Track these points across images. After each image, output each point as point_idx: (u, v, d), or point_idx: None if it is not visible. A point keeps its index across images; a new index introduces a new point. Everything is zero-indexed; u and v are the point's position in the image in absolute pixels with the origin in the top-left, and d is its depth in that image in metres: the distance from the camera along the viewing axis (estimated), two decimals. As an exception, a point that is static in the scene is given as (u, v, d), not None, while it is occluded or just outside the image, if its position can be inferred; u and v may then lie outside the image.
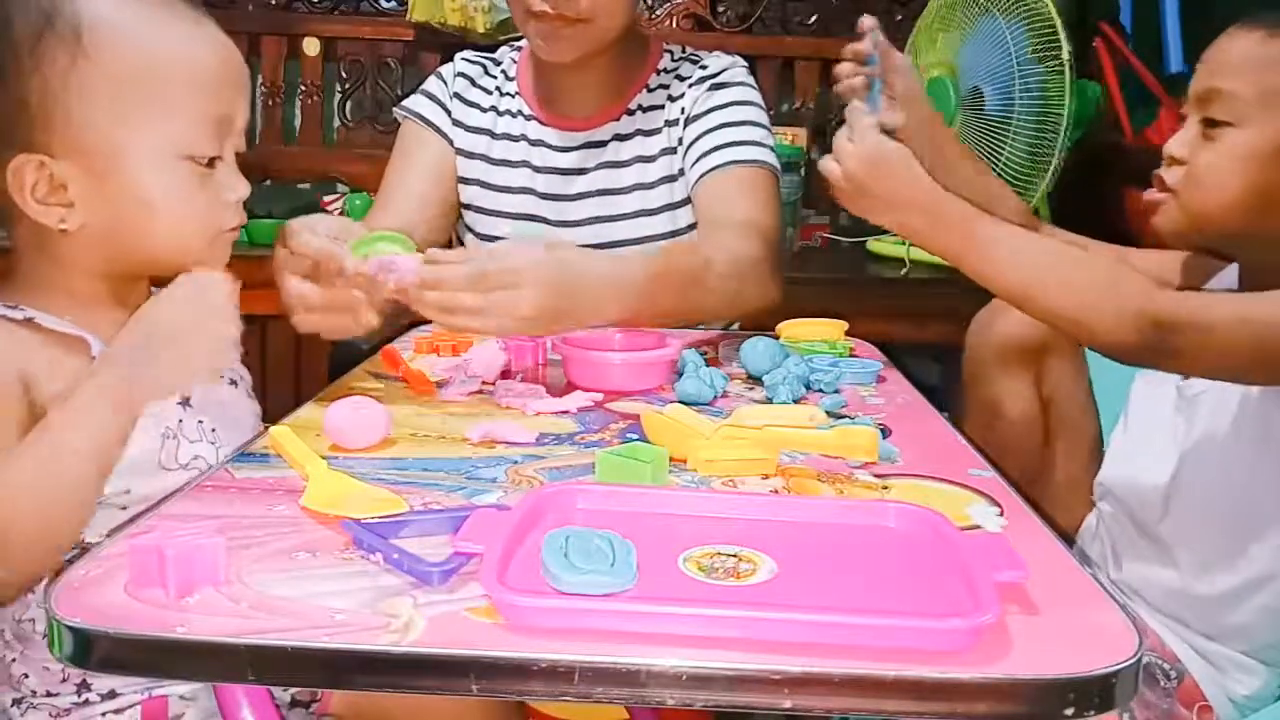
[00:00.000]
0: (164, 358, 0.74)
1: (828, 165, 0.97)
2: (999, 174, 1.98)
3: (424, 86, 1.36)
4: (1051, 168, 1.92)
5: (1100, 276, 0.88)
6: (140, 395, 0.72)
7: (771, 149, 1.26)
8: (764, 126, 1.27)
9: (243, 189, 0.81)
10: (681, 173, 1.28)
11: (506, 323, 0.88)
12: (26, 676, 0.77)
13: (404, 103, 1.35)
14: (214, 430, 0.82)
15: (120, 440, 0.71)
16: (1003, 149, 1.99)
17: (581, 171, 1.30)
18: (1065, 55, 1.89)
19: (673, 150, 1.28)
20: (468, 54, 1.38)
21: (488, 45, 1.42)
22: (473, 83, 1.35)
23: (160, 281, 0.79)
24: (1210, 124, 0.93)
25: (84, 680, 0.76)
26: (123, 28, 0.75)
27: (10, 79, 0.73)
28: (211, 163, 0.79)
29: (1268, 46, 0.91)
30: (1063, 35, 1.90)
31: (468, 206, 1.34)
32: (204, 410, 0.82)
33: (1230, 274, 1.03)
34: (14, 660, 0.77)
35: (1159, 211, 0.97)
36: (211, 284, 0.77)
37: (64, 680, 0.76)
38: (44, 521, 0.67)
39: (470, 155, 1.33)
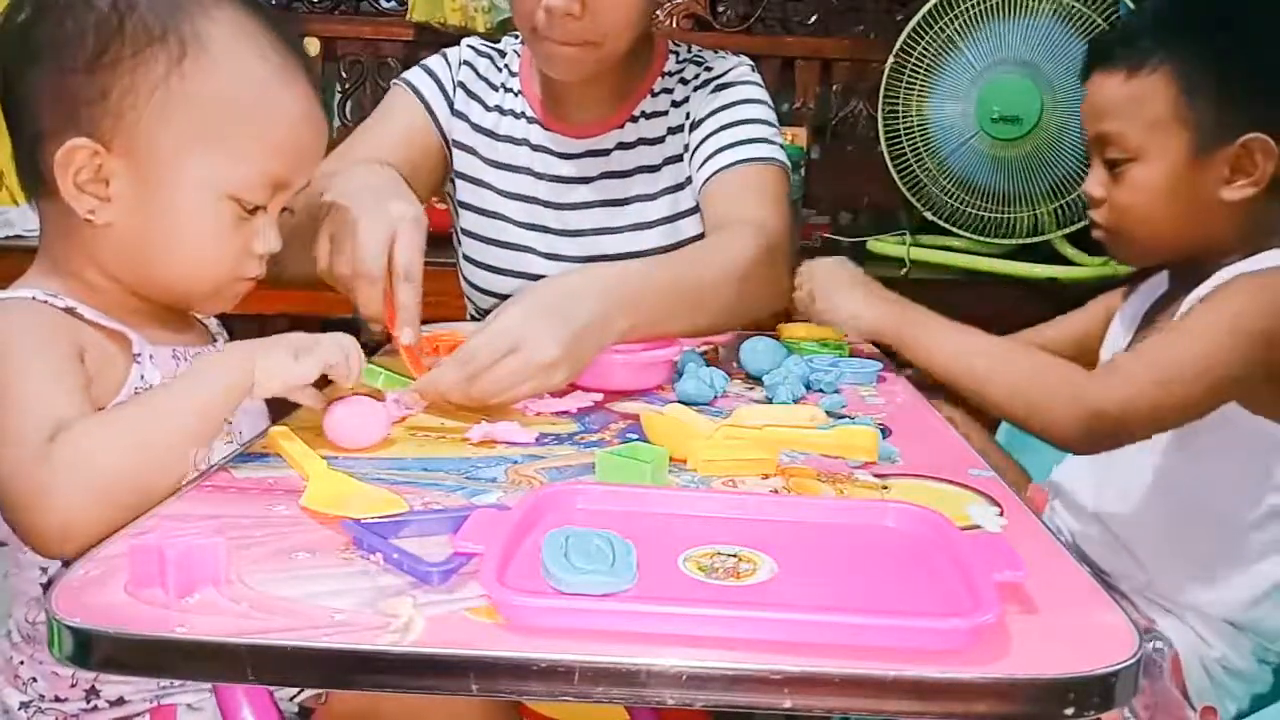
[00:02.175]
0: (282, 354, 0.75)
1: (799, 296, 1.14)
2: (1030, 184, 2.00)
3: (428, 63, 1.31)
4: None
5: (1036, 379, 0.97)
6: (255, 377, 0.74)
7: (779, 145, 1.23)
8: (770, 123, 1.24)
9: (274, 244, 0.81)
10: (689, 180, 1.26)
11: (541, 379, 0.86)
12: (35, 680, 0.77)
13: (405, 74, 1.31)
14: (240, 433, 0.82)
15: (225, 413, 0.73)
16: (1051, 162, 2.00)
17: (584, 180, 1.28)
18: None
19: (678, 158, 1.27)
20: (475, 42, 1.34)
21: (488, 44, 1.40)
22: (478, 74, 1.31)
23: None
24: (1114, 164, 1.02)
25: (92, 687, 0.76)
26: (226, 64, 0.76)
27: (103, 68, 0.73)
28: (254, 210, 0.79)
29: (1132, 85, 1.00)
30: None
31: (466, 206, 1.32)
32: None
33: (1161, 277, 1.11)
34: (22, 663, 0.77)
35: (1109, 245, 1.08)
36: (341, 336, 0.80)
37: (73, 686, 0.76)
38: (137, 475, 0.66)
39: (470, 151, 1.30)
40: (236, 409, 0.75)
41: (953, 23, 2.06)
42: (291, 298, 1.87)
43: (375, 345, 1.10)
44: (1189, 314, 0.97)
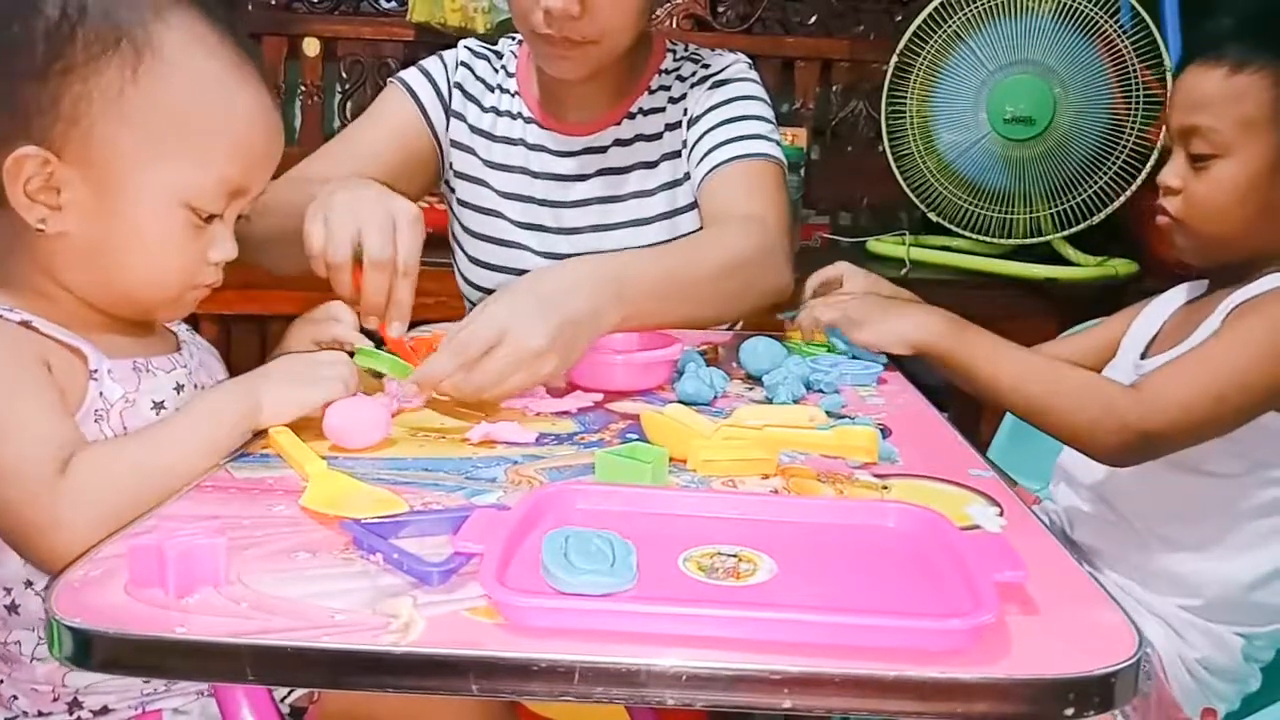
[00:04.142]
0: (286, 383, 0.79)
1: (812, 315, 1.12)
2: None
3: (424, 64, 1.31)
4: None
5: (1084, 404, 0.99)
6: (260, 412, 0.76)
7: (776, 141, 1.23)
8: (767, 120, 1.24)
9: (230, 252, 0.81)
10: (687, 176, 1.26)
11: (531, 368, 0.85)
12: (16, 698, 0.76)
13: (401, 74, 1.31)
14: None
15: (231, 445, 0.75)
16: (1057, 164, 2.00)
17: (581, 178, 1.28)
18: (1168, 64, 1.87)
19: (676, 154, 1.27)
20: (472, 44, 1.35)
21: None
22: (475, 75, 1.32)
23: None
24: (1198, 157, 1.02)
25: (75, 699, 0.76)
26: (181, 71, 0.74)
27: (55, 75, 0.72)
28: (210, 218, 0.78)
29: (1233, 82, 1.00)
30: (1164, 49, 1.88)
31: (465, 204, 1.32)
32: None
33: (1194, 283, 1.12)
34: (1, 682, 0.77)
35: (1173, 238, 1.07)
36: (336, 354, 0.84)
37: (55, 700, 0.76)
38: (141, 506, 0.66)
39: (469, 151, 1.30)
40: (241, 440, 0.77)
41: (957, 22, 2.06)
42: (291, 299, 1.87)
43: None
44: (1226, 325, 0.98)
